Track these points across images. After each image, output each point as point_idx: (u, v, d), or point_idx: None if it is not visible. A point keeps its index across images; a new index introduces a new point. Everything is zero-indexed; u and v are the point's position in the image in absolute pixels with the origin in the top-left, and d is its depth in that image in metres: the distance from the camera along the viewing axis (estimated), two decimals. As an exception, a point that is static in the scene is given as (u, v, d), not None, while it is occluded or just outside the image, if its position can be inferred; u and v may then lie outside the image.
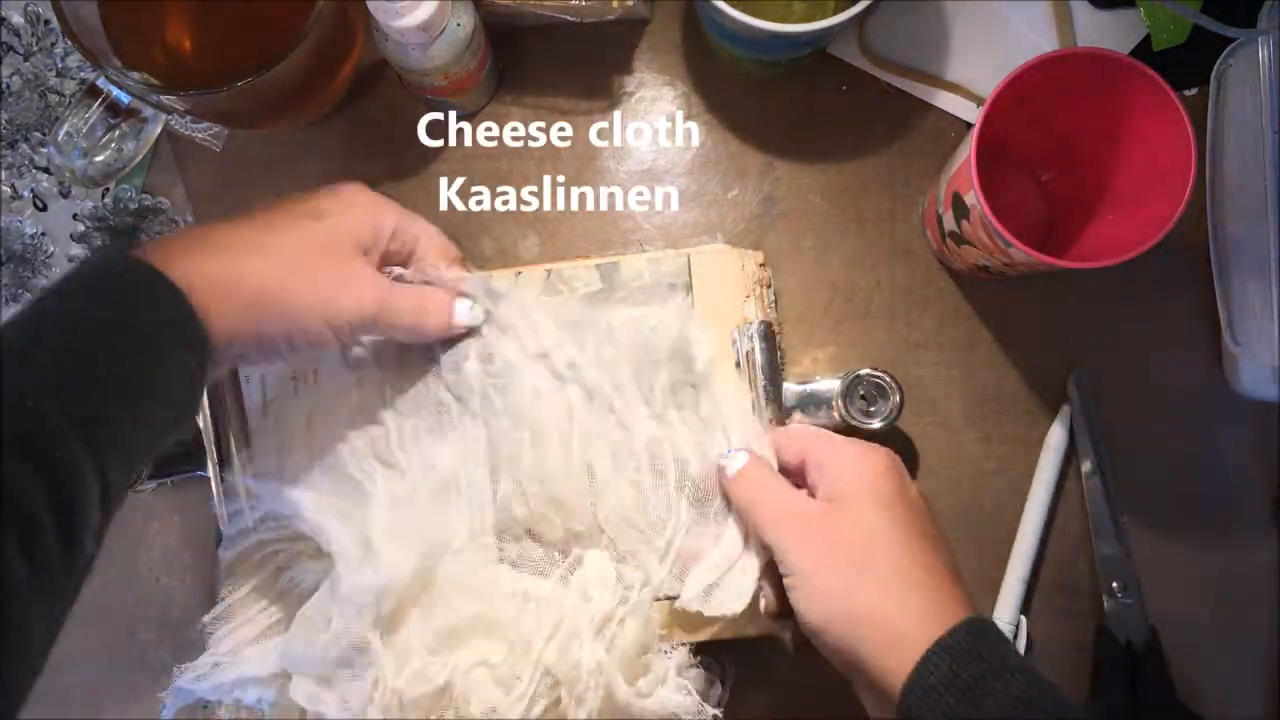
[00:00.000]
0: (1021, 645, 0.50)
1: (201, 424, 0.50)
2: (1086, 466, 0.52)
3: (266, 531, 0.47)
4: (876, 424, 0.48)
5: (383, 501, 0.46)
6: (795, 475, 0.45)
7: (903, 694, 0.36)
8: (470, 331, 0.48)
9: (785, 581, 0.41)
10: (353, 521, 0.45)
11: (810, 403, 0.49)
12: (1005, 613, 0.51)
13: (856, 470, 0.42)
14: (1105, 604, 0.51)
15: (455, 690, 0.45)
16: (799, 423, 0.49)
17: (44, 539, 0.31)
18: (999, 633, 0.38)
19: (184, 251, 0.37)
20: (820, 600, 0.40)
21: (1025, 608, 0.51)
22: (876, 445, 0.43)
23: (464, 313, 0.47)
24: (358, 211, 0.44)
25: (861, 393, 0.49)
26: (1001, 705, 0.35)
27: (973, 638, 0.36)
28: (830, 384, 0.49)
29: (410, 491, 0.47)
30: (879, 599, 0.38)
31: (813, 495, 0.43)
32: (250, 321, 0.38)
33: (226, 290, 0.38)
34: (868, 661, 0.38)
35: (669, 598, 0.47)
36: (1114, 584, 0.51)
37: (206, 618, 0.48)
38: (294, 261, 0.40)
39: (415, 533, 0.46)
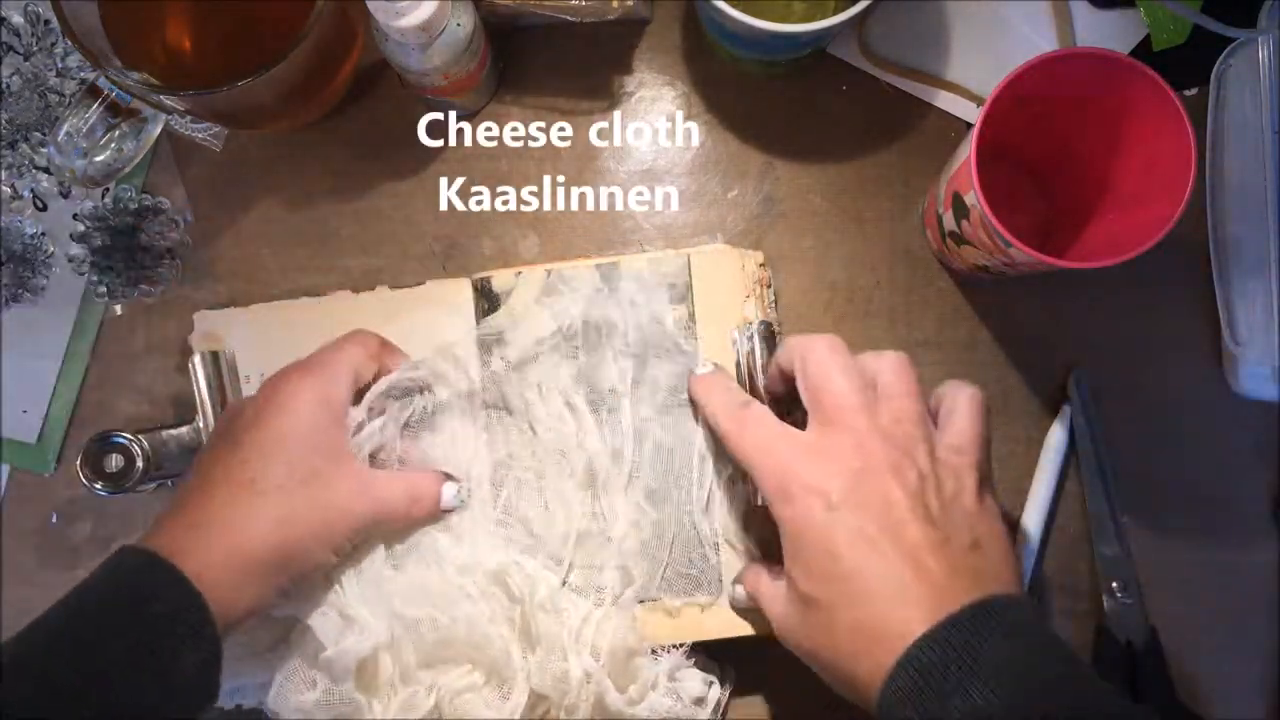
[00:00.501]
0: None
1: (201, 424, 0.50)
2: (1086, 467, 0.52)
3: None
4: (876, 424, 0.48)
5: (349, 572, 0.46)
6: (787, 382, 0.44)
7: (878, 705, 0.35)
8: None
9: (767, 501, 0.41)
10: (318, 600, 0.45)
11: (810, 403, 0.49)
12: None
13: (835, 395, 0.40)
14: (1105, 604, 0.51)
15: (445, 716, 0.45)
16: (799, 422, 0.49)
17: None
18: (986, 623, 0.34)
19: (192, 532, 0.40)
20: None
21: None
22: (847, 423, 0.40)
23: (450, 498, 0.47)
24: (306, 406, 0.43)
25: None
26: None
27: (941, 647, 0.34)
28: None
29: (378, 560, 0.46)
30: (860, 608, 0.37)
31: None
32: (261, 589, 0.40)
33: (233, 568, 0.39)
34: (849, 620, 0.37)
35: (652, 600, 0.47)
36: (1114, 584, 0.51)
37: None
38: (286, 512, 0.41)
39: (383, 591, 0.46)
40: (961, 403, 0.41)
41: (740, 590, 0.46)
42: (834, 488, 0.38)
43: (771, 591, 0.42)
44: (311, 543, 0.42)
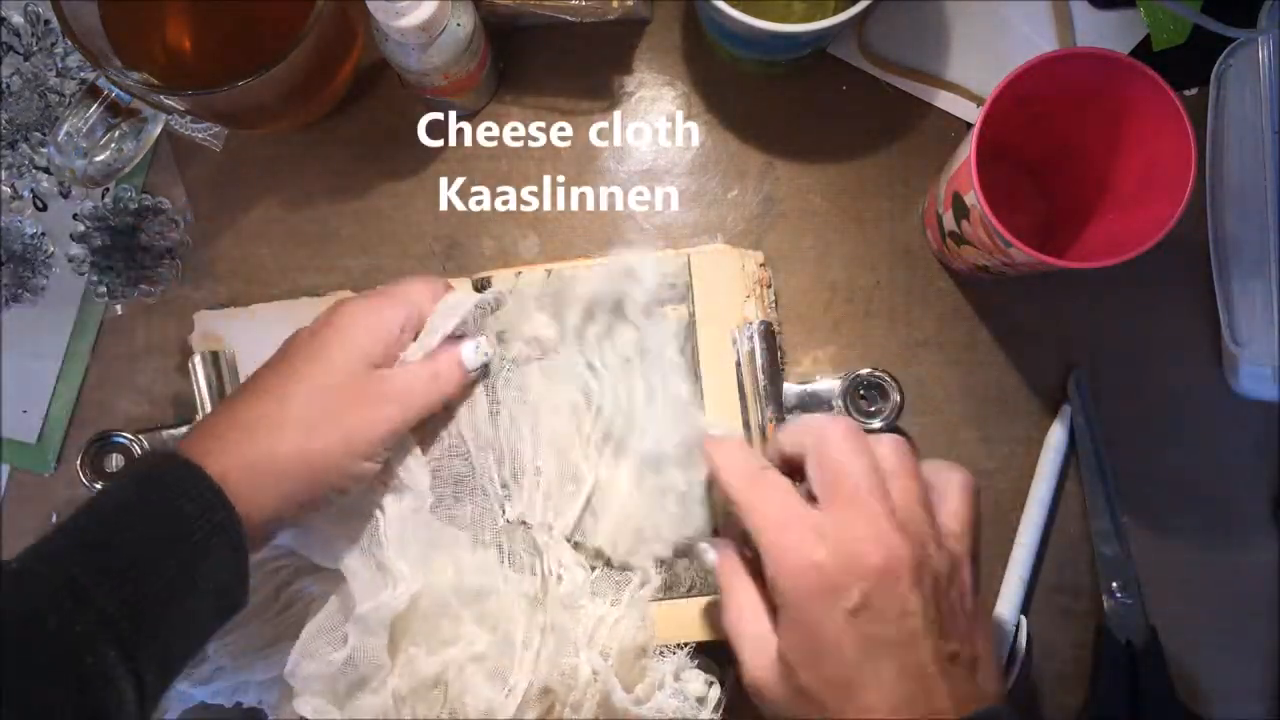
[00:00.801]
0: (1021, 645, 0.50)
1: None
2: (1086, 467, 0.52)
3: (266, 551, 0.47)
4: (877, 424, 0.48)
5: (392, 523, 0.46)
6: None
7: None
8: (485, 370, 0.48)
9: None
10: (360, 544, 0.45)
11: (811, 403, 0.49)
12: (1005, 613, 0.51)
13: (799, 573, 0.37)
14: (1105, 604, 0.51)
15: (450, 688, 0.45)
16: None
17: None
18: None
19: (218, 441, 0.40)
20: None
21: (1025, 608, 0.51)
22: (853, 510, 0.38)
23: (471, 356, 0.47)
24: (360, 332, 0.44)
25: (862, 393, 0.49)
26: None
27: None
28: (830, 384, 0.49)
29: (415, 507, 0.46)
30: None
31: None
32: (285, 496, 0.40)
33: (258, 472, 0.39)
34: None
35: (664, 598, 0.47)
36: (1114, 584, 0.51)
37: None
38: (312, 421, 0.41)
39: (424, 544, 0.46)
40: (954, 486, 0.40)
41: (711, 557, 0.44)
42: (855, 591, 0.36)
43: (756, 638, 0.40)
44: (339, 458, 0.41)
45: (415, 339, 0.46)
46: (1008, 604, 0.51)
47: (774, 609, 0.39)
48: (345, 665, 0.44)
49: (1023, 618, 0.51)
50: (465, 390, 0.47)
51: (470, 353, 0.47)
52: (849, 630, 0.36)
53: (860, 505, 0.37)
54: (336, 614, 0.45)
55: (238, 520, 0.38)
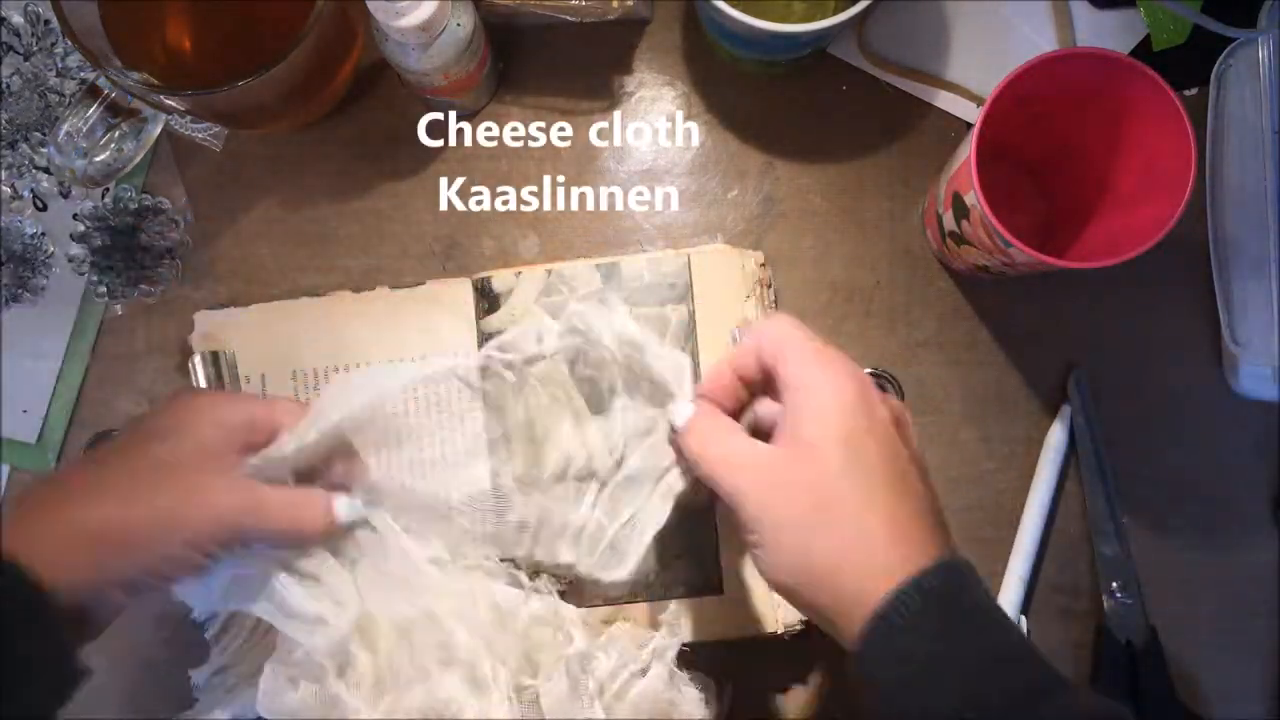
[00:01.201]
0: None
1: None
2: (1086, 467, 0.52)
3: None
4: (876, 424, 0.48)
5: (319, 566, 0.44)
6: (760, 380, 0.41)
7: (855, 658, 0.35)
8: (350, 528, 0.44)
9: (745, 538, 0.38)
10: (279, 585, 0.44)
11: (810, 403, 0.49)
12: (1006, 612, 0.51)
13: (820, 409, 0.37)
14: (1105, 604, 0.51)
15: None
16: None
17: None
18: (961, 580, 0.35)
19: (34, 509, 0.37)
20: (780, 553, 0.37)
21: (1025, 607, 0.51)
22: (848, 368, 0.38)
23: (344, 510, 0.43)
24: (201, 419, 0.41)
25: (861, 393, 0.49)
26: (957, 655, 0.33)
27: (925, 593, 0.34)
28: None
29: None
30: (836, 552, 0.35)
31: (776, 400, 0.40)
32: (93, 567, 0.37)
33: (63, 543, 0.36)
34: (832, 617, 0.36)
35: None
36: (1114, 584, 0.51)
37: (195, 674, 0.47)
38: (131, 490, 0.38)
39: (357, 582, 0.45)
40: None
41: (682, 415, 0.41)
42: (881, 415, 0.37)
43: (746, 453, 0.38)
44: (154, 532, 0.38)
45: (270, 444, 0.42)
46: (1008, 604, 0.51)
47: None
48: (304, 706, 0.43)
49: (1023, 617, 0.51)
50: (321, 538, 0.43)
51: (344, 505, 0.43)
52: (890, 436, 0.37)
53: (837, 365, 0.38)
54: (283, 661, 0.44)
55: (45, 608, 0.35)
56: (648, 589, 0.49)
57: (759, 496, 0.37)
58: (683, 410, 0.41)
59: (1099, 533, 0.51)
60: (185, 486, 0.39)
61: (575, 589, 0.48)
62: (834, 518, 0.36)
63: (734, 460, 0.38)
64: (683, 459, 0.42)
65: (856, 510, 0.36)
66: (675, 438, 0.42)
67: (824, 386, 0.37)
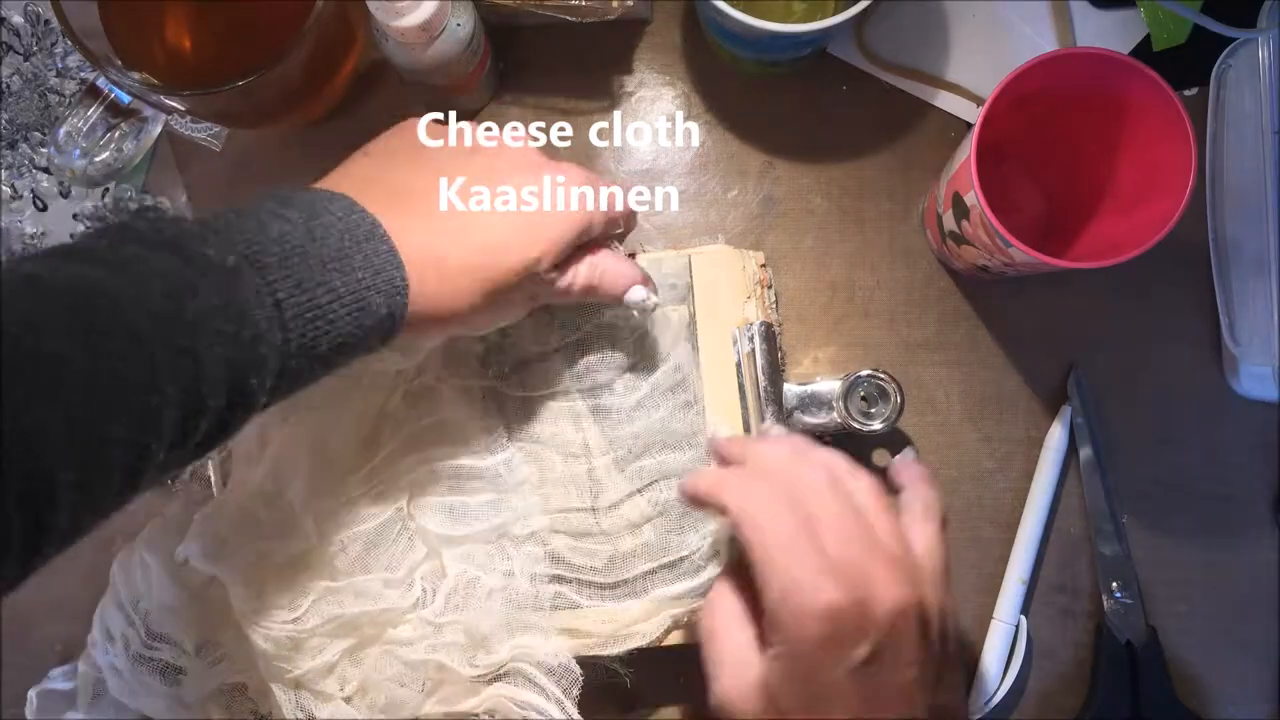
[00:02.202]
0: (1021, 645, 0.50)
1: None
2: (1086, 467, 0.52)
3: None
4: (877, 425, 0.48)
5: None
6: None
7: None
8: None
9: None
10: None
11: (811, 404, 0.49)
12: (1005, 613, 0.51)
13: (795, 643, 0.34)
14: (1105, 604, 0.51)
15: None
16: (798, 425, 0.49)
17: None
18: None
19: (397, 209, 0.38)
20: None
21: (1025, 608, 0.51)
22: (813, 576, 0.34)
23: (638, 294, 0.44)
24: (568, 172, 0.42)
25: (862, 394, 0.49)
26: None
27: None
28: (831, 385, 0.49)
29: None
30: None
31: None
32: (445, 297, 0.39)
33: (429, 262, 0.38)
34: None
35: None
36: (1114, 584, 0.51)
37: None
38: (500, 233, 0.40)
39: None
40: (919, 509, 0.38)
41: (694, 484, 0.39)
42: (867, 643, 0.34)
43: (737, 660, 0.36)
44: (517, 253, 0.40)
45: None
46: (1008, 604, 0.51)
47: (759, 625, 0.37)
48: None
49: (1023, 618, 0.51)
50: (608, 297, 0.44)
51: (640, 292, 0.44)
52: (854, 682, 0.33)
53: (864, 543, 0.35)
54: None
55: (404, 309, 0.37)
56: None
57: (743, 707, 0.35)
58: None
59: (1099, 533, 0.51)
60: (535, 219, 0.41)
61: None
62: None
63: (730, 661, 0.37)
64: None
65: None
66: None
67: (794, 619, 0.34)
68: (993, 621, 0.51)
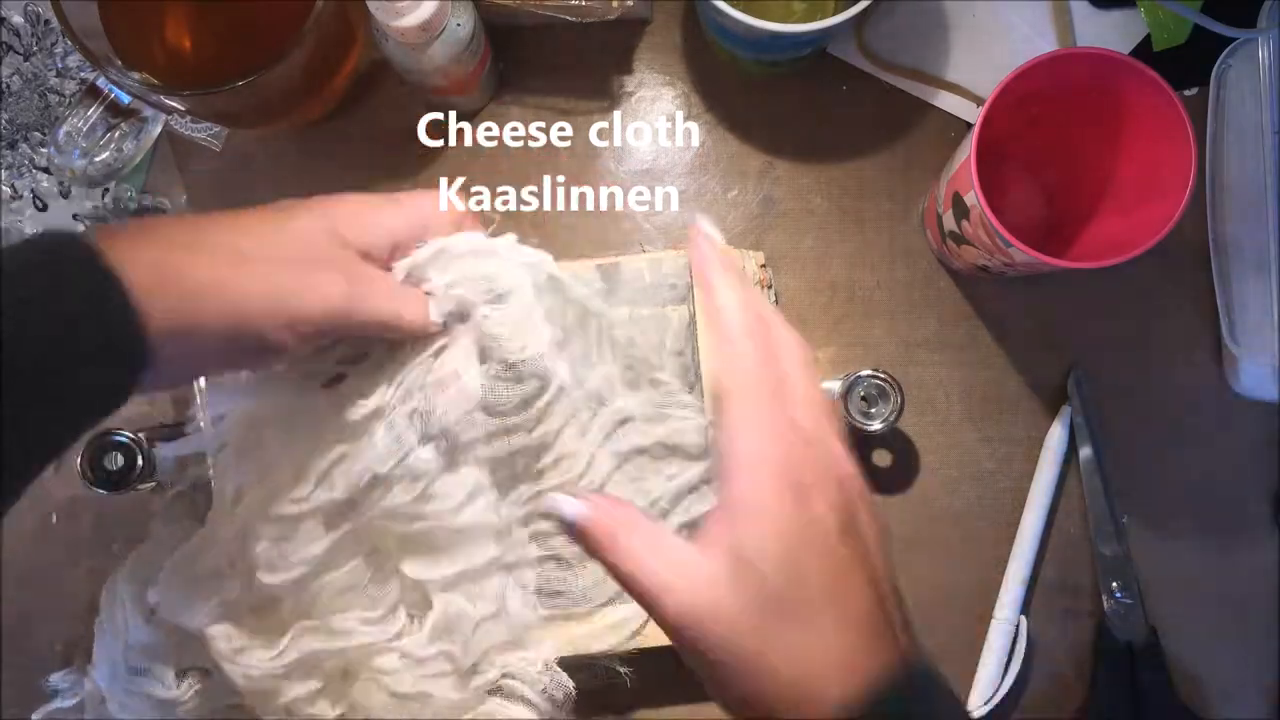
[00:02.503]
0: (1021, 646, 0.50)
1: (202, 422, 0.50)
2: (1086, 467, 0.52)
3: None
4: (876, 425, 0.48)
5: None
6: None
7: None
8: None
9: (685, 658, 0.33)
10: None
11: (810, 403, 0.49)
12: (1005, 612, 0.51)
13: (756, 511, 0.32)
14: (1105, 604, 0.51)
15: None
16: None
17: None
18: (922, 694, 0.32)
19: (129, 238, 0.34)
20: (724, 689, 0.32)
21: (1025, 608, 0.51)
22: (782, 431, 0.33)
23: (436, 312, 0.41)
24: (345, 212, 0.38)
25: (862, 394, 0.49)
26: None
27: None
28: (830, 385, 0.49)
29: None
30: (787, 686, 0.31)
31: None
32: (187, 315, 0.33)
33: (165, 279, 0.33)
34: None
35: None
36: (1114, 584, 0.51)
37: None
38: (245, 257, 0.35)
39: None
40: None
41: (570, 508, 0.34)
42: (834, 493, 0.32)
43: (682, 562, 0.32)
44: (261, 302, 0.35)
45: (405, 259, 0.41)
46: (1008, 604, 0.51)
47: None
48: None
49: (1023, 618, 0.51)
50: (420, 333, 0.41)
51: (435, 309, 0.41)
52: (829, 541, 0.32)
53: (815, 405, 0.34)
54: None
55: (138, 326, 0.32)
56: None
57: (698, 627, 0.31)
58: (569, 506, 0.34)
59: (1099, 532, 0.51)
60: (301, 266, 0.36)
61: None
62: (778, 645, 0.31)
63: (662, 577, 0.32)
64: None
65: (802, 638, 0.31)
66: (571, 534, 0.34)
67: (758, 488, 0.32)
68: (993, 621, 0.51)
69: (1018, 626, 0.51)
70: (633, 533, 0.33)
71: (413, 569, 0.44)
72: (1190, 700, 0.50)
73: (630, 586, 0.32)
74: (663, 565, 0.32)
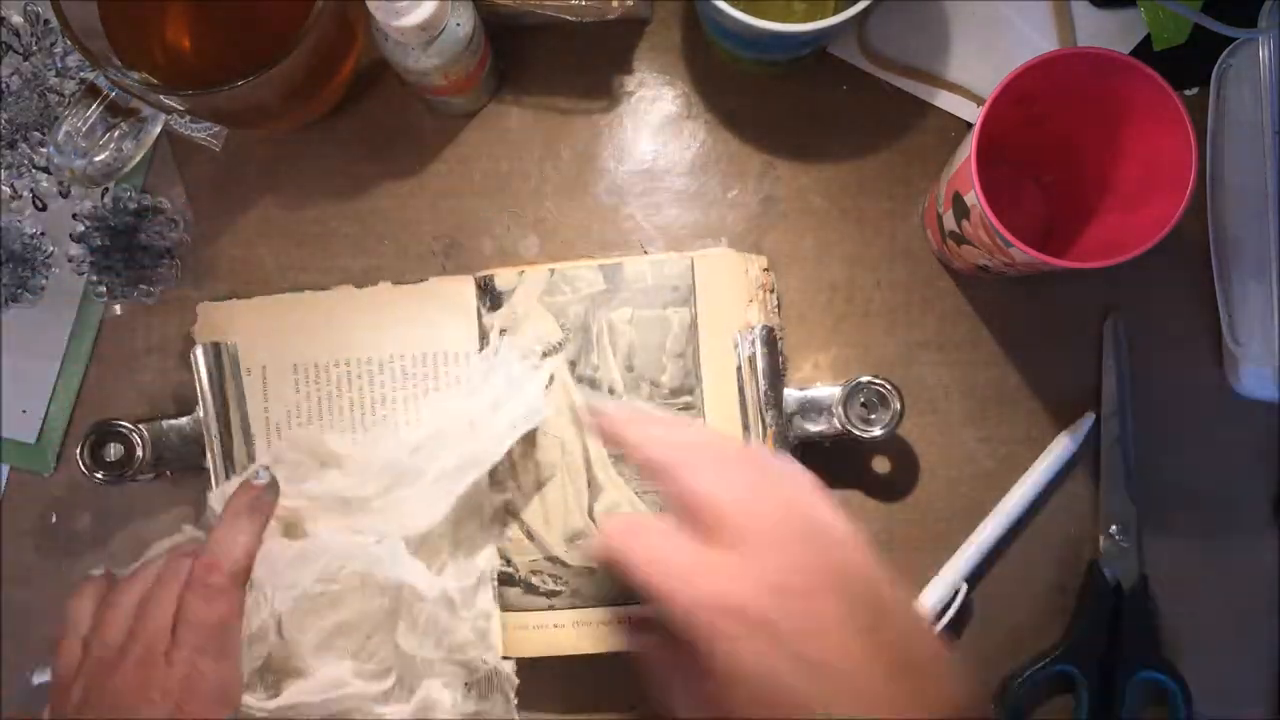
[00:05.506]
0: (952, 611, 0.50)
1: (201, 414, 0.50)
2: (1108, 408, 0.51)
3: None
4: (877, 432, 0.48)
5: None
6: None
7: None
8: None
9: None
10: None
11: (810, 409, 0.49)
12: (949, 575, 0.51)
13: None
14: (1101, 543, 0.51)
15: None
16: (798, 431, 0.49)
17: None
18: None
19: None
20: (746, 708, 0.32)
21: (974, 578, 0.51)
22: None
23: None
24: None
25: (862, 400, 0.49)
26: None
27: None
28: (831, 390, 0.49)
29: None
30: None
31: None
32: None
33: None
34: None
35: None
36: (1114, 527, 0.51)
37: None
38: None
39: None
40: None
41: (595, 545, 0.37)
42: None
43: (689, 563, 0.34)
44: None
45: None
46: (953, 570, 0.51)
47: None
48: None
49: (964, 584, 0.51)
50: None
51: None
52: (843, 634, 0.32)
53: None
54: None
55: None
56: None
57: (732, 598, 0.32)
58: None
59: (1109, 480, 0.51)
60: None
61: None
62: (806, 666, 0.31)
63: (688, 563, 0.34)
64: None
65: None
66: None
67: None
68: (935, 578, 0.51)
69: (956, 593, 0.50)
70: (649, 531, 0.35)
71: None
72: (1190, 700, 0.50)
73: (648, 576, 0.34)
74: (683, 553, 0.34)
